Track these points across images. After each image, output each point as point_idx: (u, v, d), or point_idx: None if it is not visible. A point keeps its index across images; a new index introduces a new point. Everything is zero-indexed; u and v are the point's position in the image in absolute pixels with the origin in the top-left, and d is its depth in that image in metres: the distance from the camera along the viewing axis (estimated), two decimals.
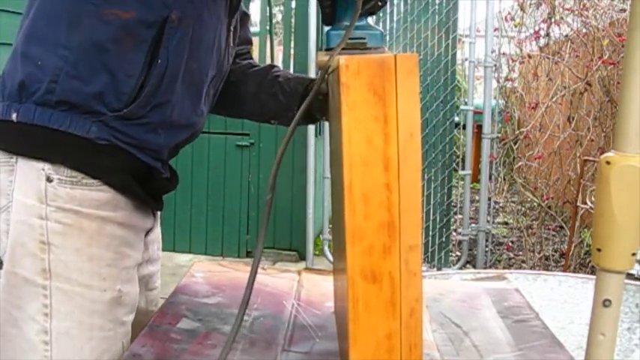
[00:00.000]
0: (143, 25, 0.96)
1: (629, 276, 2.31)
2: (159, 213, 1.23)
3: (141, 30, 0.96)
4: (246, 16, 1.31)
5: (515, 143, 4.40)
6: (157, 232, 1.24)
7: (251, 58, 1.34)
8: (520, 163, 4.50)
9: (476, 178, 5.03)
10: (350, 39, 0.94)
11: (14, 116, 0.99)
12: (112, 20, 0.95)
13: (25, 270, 0.98)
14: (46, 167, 0.98)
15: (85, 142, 0.98)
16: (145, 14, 0.96)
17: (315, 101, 1.15)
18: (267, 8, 4.83)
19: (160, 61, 0.98)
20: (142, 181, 1.05)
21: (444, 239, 4.21)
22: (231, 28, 1.15)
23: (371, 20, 1.01)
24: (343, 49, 0.93)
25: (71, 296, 0.99)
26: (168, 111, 1.03)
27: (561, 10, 4.17)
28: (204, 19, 1.03)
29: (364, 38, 0.95)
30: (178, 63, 1.01)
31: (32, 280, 0.98)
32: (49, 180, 0.98)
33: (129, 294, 1.07)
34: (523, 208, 5.06)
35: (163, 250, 1.30)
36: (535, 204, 4.57)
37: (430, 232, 4.19)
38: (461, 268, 4.10)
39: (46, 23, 0.98)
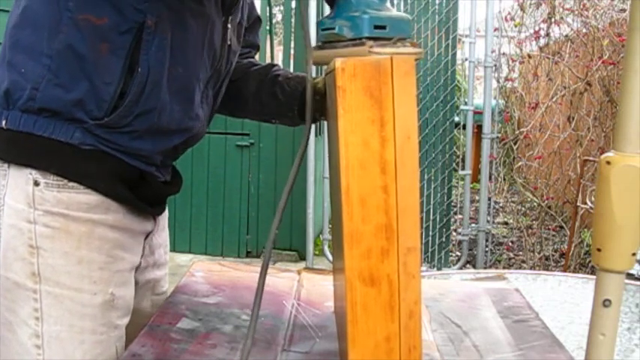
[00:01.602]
0: (117, 31, 0.95)
1: (629, 276, 2.31)
2: (165, 216, 1.22)
3: (115, 36, 0.95)
4: (258, 22, 1.30)
5: (515, 143, 4.40)
6: (164, 237, 1.23)
7: (252, 57, 1.33)
8: (520, 163, 4.50)
9: (476, 178, 5.03)
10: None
11: (3, 123, 0.99)
12: (86, 26, 0.94)
13: (16, 274, 0.99)
14: (34, 172, 0.98)
15: (68, 147, 0.98)
16: (118, 20, 0.95)
17: (315, 102, 1.14)
18: (267, 8, 4.83)
19: (140, 69, 0.97)
20: (133, 185, 1.04)
21: (444, 239, 4.21)
22: (228, 26, 1.12)
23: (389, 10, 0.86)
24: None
25: (61, 300, 0.99)
26: (155, 118, 1.01)
27: (561, 10, 4.17)
28: (186, 21, 1.01)
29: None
30: (160, 69, 0.99)
31: (23, 284, 0.99)
32: (36, 184, 0.98)
33: (123, 297, 1.06)
34: (523, 208, 5.07)
35: None
36: (535, 204, 4.58)
37: (430, 232, 4.19)
38: (461, 268, 4.10)
39: (30, 31, 0.98)
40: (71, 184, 0.99)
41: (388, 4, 0.86)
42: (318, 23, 0.90)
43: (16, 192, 0.99)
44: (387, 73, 0.76)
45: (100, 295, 1.02)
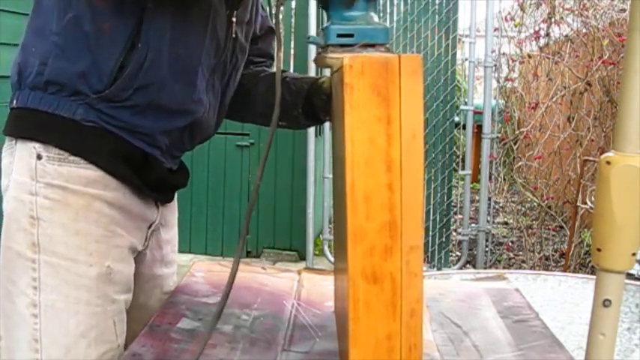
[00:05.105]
0: (120, 12, 1.00)
1: (629, 276, 2.31)
2: (174, 214, 1.24)
3: (118, 17, 1.00)
4: (271, 32, 1.35)
5: (515, 143, 4.40)
6: (172, 234, 1.26)
7: (267, 67, 1.35)
8: (520, 163, 4.50)
9: (476, 178, 5.03)
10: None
11: (14, 102, 1.06)
12: (91, 6, 1.00)
13: (18, 244, 1.03)
14: (37, 146, 1.03)
15: (71, 123, 1.02)
16: (121, 2, 1.00)
17: (319, 101, 1.16)
18: (268, 8, 4.83)
19: (140, 45, 1.01)
20: (136, 166, 1.07)
21: (444, 239, 4.20)
22: (233, 20, 1.15)
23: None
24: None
25: (57, 269, 1.02)
26: (154, 93, 1.04)
27: (561, 10, 4.17)
28: (188, 6, 1.05)
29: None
30: (159, 47, 1.02)
31: (23, 253, 1.02)
32: (39, 157, 1.03)
33: (121, 272, 1.08)
34: (523, 208, 5.07)
35: None
36: (535, 204, 4.57)
37: (430, 232, 4.19)
38: (461, 268, 4.10)
39: (42, 17, 1.04)
40: (72, 157, 1.03)
41: (370, 15, 0.93)
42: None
43: (21, 165, 1.04)
44: (395, 72, 0.77)
45: (96, 267, 1.04)
